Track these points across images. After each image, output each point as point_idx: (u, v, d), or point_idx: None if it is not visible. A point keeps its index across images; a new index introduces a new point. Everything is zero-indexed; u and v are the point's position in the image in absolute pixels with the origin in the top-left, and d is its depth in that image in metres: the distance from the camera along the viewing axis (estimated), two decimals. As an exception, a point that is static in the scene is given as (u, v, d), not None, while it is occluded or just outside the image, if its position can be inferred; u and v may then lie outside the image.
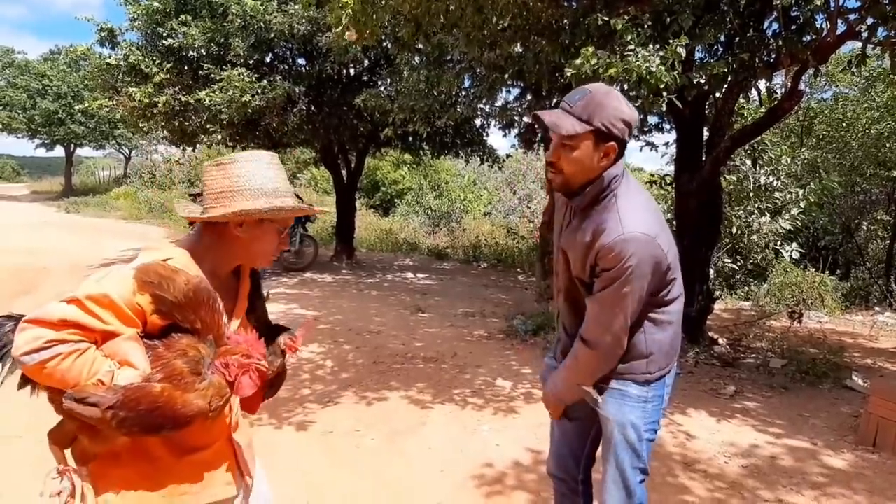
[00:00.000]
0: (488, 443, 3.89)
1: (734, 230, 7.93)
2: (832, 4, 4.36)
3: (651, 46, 3.90)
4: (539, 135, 9.12)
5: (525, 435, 3.98)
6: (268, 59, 9.56)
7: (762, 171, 7.86)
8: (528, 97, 7.88)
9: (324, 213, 1.60)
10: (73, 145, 29.00)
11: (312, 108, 9.52)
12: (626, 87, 4.05)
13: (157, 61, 9.09)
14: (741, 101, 6.28)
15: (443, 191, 19.68)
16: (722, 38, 5.05)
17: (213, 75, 8.52)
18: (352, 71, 10.00)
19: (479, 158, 11.71)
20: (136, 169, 28.95)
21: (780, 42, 4.55)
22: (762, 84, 5.86)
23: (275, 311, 7.09)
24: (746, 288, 9.65)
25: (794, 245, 8.12)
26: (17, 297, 7.09)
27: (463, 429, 4.11)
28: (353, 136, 10.28)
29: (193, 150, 12.90)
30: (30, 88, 25.67)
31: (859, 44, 4.66)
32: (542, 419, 3.62)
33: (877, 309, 9.41)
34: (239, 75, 8.34)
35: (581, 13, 4.73)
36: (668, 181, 7.61)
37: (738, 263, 8.33)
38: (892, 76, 8.74)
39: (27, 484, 2.33)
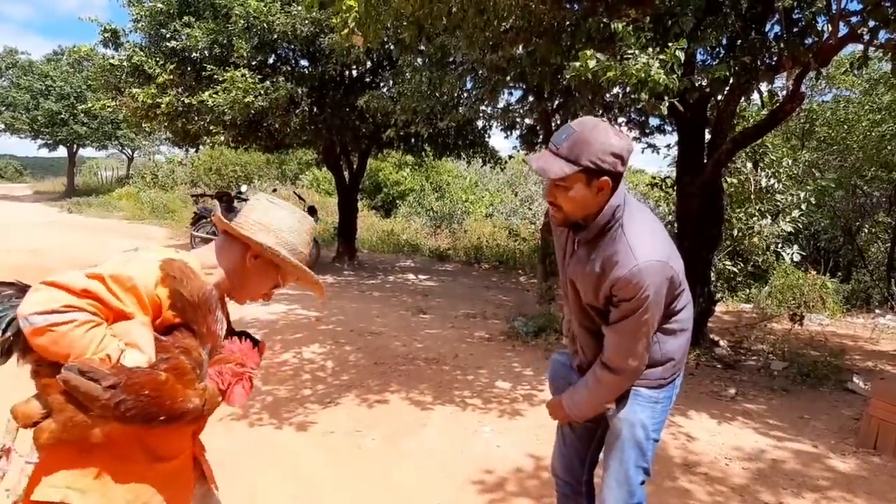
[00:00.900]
0: (489, 444, 3.90)
1: (735, 232, 7.93)
2: (834, 7, 4.37)
3: (651, 49, 3.91)
4: (541, 136, 9.14)
5: (526, 436, 3.99)
6: (271, 61, 9.58)
7: (763, 174, 7.86)
8: (530, 99, 7.90)
9: (321, 294, 1.71)
10: (75, 146, 29.04)
11: (315, 109, 9.53)
12: (627, 89, 4.06)
13: (161, 62, 9.11)
14: (743, 103, 6.28)
15: (444, 192, 19.67)
16: (723, 41, 5.06)
17: (216, 76, 8.54)
18: (354, 72, 10.01)
19: (480, 160, 11.72)
20: (138, 170, 28.98)
21: (782, 44, 4.55)
22: (764, 86, 5.87)
23: (277, 311, 7.11)
24: (747, 290, 9.64)
25: (795, 247, 8.11)
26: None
27: (464, 430, 4.12)
28: (355, 138, 10.29)
29: (196, 152, 12.94)
30: (33, 89, 25.70)
31: (861, 46, 4.67)
32: (543, 421, 3.63)
33: (878, 311, 9.41)
34: (242, 76, 8.36)
35: (582, 15, 4.74)
36: (670, 183, 7.62)
37: (739, 266, 8.32)
38: (893, 79, 8.74)
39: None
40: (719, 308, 7.72)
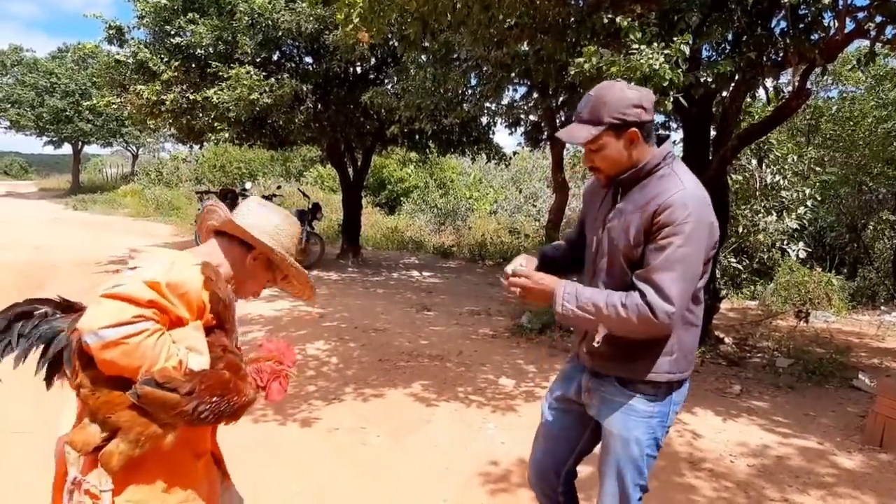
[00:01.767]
0: (494, 441, 3.90)
1: (740, 229, 7.91)
2: (840, 3, 4.34)
3: (655, 44, 3.89)
4: (545, 133, 9.12)
5: (530, 433, 3.93)
6: (275, 58, 9.58)
7: (768, 170, 7.84)
8: (535, 95, 7.89)
9: (312, 298, 1.80)
10: (80, 143, 29.15)
11: (319, 106, 9.54)
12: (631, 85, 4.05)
13: (165, 59, 9.12)
14: (748, 99, 6.25)
15: (448, 189, 19.64)
16: (729, 37, 5.04)
17: (220, 73, 8.54)
18: (358, 69, 10.01)
19: (485, 156, 11.70)
20: (143, 166, 29.10)
21: (788, 40, 4.53)
22: (769, 82, 5.84)
23: (280, 308, 7.12)
24: (752, 287, 9.61)
25: (801, 244, 8.10)
26: (26, 294, 7.12)
27: (468, 427, 4.12)
28: (359, 134, 10.29)
29: (201, 148, 12.97)
30: (38, 86, 25.80)
31: (867, 42, 4.64)
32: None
33: (883, 308, 9.37)
34: (246, 73, 8.36)
35: (587, 11, 4.73)
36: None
37: (745, 262, 8.30)
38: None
39: (35, 480, 2.34)
40: (724, 305, 7.71)
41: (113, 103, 10.27)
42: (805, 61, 4.75)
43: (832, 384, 5.22)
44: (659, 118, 8.21)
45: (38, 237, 12.27)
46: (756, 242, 8.02)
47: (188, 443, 1.44)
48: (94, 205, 21.29)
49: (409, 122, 7.66)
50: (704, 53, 5.48)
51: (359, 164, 11.80)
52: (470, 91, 7.72)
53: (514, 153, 11.27)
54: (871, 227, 12.58)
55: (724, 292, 7.70)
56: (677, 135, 10.08)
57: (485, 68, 6.78)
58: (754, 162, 8.03)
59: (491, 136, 11.26)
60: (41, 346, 1.35)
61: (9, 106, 25.78)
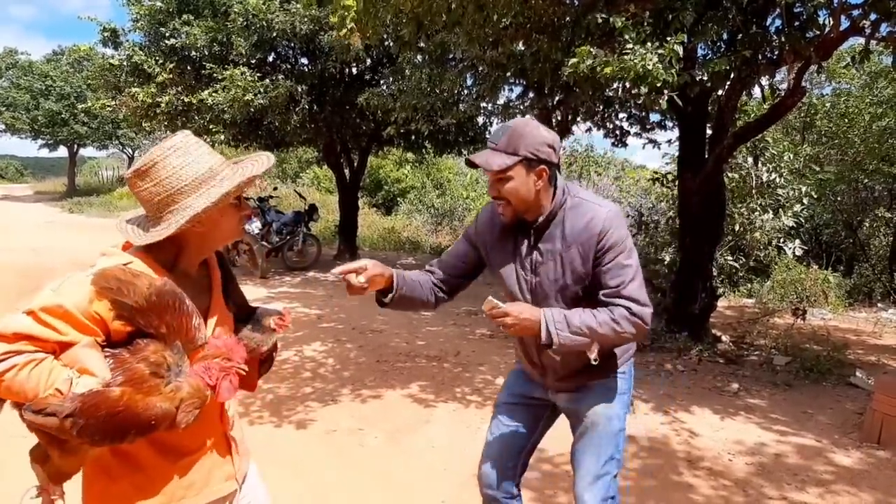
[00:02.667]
0: (492, 441, 3.89)
1: (736, 227, 7.91)
2: (835, 0, 4.35)
3: (649, 44, 3.89)
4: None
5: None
6: (270, 59, 9.58)
7: (764, 168, 7.84)
8: (531, 95, 7.87)
9: (266, 176, 1.56)
10: (76, 146, 29.10)
11: (315, 107, 9.52)
12: (626, 84, 4.04)
13: (160, 61, 9.11)
14: (744, 97, 6.27)
15: (445, 189, 19.64)
16: (724, 35, 5.04)
17: (215, 75, 8.53)
18: (354, 70, 10.00)
19: (481, 157, 11.69)
20: (138, 169, 28.93)
21: (783, 38, 4.53)
22: (765, 80, 5.84)
23: (277, 309, 7.09)
24: (749, 285, 9.63)
25: (797, 242, 8.11)
26: (22, 297, 7.10)
27: (466, 427, 4.11)
28: (355, 135, 10.28)
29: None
30: (33, 89, 25.75)
31: (862, 39, 4.65)
32: (545, 417, 3.62)
33: (880, 305, 9.38)
34: (241, 74, 8.35)
35: (582, 11, 4.72)
36: (671, 178, 7.61)
37: (741, 260, 8.31)
38: (894, 73, 8.71)
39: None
40: (721, 303, 7.71)
41: (108, 106, 10.25)
42: (800, 59, 4.76)
43: (829, 381, 5.22)
44: (655, 117, 8.23)
45: (34, 240, 12.25)
46: (752, 240, 8.03)
47: (154, 447, 1.41)
48: (90, 208, 21.24)
49: (405, 122, 7.64)
50: (700, 52, 5.49)
51: (355, 164, 11.79)
52: (466, 91, 7.70)
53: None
54: (867, 225, 12.61)
55: (720, 290, 7.71)
56: (673, 134, 10.10)
57: (480, 68, 6.76)
58: (750, 160, 8.03)
59: (487, 136, 11.25)
60: None
61: (4, 109, 25.74)
